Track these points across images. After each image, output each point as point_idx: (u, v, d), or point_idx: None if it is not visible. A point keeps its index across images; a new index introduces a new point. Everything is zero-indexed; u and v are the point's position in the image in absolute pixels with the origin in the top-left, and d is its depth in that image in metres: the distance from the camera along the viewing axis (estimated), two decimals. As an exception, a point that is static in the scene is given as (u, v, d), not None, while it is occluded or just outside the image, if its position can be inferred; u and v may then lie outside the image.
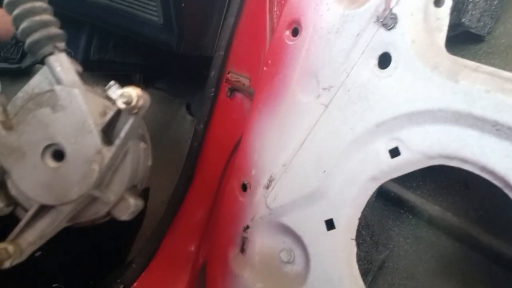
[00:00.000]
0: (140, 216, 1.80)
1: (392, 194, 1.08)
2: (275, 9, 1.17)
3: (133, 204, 0.75)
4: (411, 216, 1.07)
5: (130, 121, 0.71)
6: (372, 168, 0.78)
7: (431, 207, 1.02)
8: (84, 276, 1.47)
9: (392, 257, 1.07)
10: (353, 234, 0.82)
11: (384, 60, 0.78)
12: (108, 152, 0.71)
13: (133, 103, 0.67)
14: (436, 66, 0.72)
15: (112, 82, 0.75)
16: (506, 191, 0.65)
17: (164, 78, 2.17)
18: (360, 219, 0.91)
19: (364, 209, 0.94)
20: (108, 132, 0.72)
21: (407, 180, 1.06)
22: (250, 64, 1.20)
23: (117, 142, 0.71)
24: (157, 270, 1.28)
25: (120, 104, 0.67)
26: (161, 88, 2.16)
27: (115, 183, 0.75)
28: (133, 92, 0.67)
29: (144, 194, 1.89)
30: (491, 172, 0.66)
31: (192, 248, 1.31)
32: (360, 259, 0.98)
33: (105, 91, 0.75)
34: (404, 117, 0.74)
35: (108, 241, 1.69)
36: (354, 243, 0.82)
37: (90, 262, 1.58)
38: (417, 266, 1.04)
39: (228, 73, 1.25)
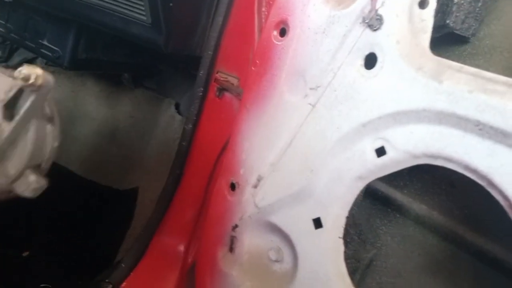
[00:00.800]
0: (128, 216, 1.80)
1: (380, 193, 1.08)
2: (263, 9, 1.17)
3: (33, 180, 0.84)
4: (398, 215, 1.08)
5: (31, 99, 0.79)
6: (359, 167, 0.79)
7: (417, 206, 1.03)
8: (73, 276, 1.47)
9: (380, 255, 1.08)
10: (341, 232, 0.83)
11: (370, 61, 0.79)
12: (8, 126, 0.78)
13: (31, 80, 0.75)
14: (420, 66, 0.73)
15: (24, 65, 0.81)
16: (489, 189, 0.67)
17: (154, 77, 2.16)
18: (347, 218, 0.92)
19: (352, 208, 0.95)
20: (11, 109, 0.79)
21: (394, 179, 1.07)
22: (238, 63, 1.20)
23: (17, 117, 0.79)
24: (146, 270, 1.28)
25: (19, 81, 0.76)
26: (151, 87, 2.16)
27: (15, 158, 0.81)
28: (32, 70, 0.75)
29: (132, 194, 1.90)
30: (474, 171, 0.67)
31: (181, 247, 1.31)
32: (348, 258, 0.99)
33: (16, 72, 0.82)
34: (389, 117, 0.75)
35: (97, 241, 1.68)
36: (341, 241, 0.83)
37: (79, 262, 1.57)
38: (404, 264, 1.05)
39: (217, 72, 1.25)
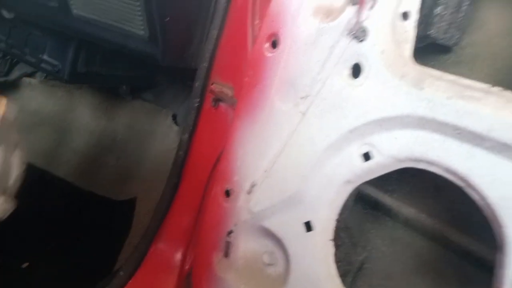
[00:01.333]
0: (126, 226, 1.83)
1: (370, 198, 1.12)
2: (256, 22, 1.22)
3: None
4: (388, 219, 1.11)
5: None
6: (347, 172, 0.83)
7: (406, 210, 1.07)
8: (72, 285, 1.49)
9: (371, 258, 1.11)
10: (331, 235, 0.86)
11: (356, 70, 0.83)
12: None
13: None
14: (403, 75, 0.77)
15: None
16: (467, 190, 0.70)
17: (151, 89, 2.21)
18: (339, 221, 0.96)
19: (343, 213, 0.98)
20: None
21: (384, 184, 1.11)
22: (233, 74, 1.24)
23: None
24: (144, 277, 1.30)
25: None
26: (148, 99, 2.20)
27: None
28: None
29: (130, 204, 1.93)
30: (454, 173, 0.71)
31: (179, 255, 1.34)
32: (340, 261, 1.02)
33: None
34: (374, 123, 0.78)
35: (95, 251, 1.71)
36: (331, 243, 0.86)
37: (77, 272, 1.59)
38: (394, 266, 1.08)
39: (212, 83, 1.29)
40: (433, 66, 0.82)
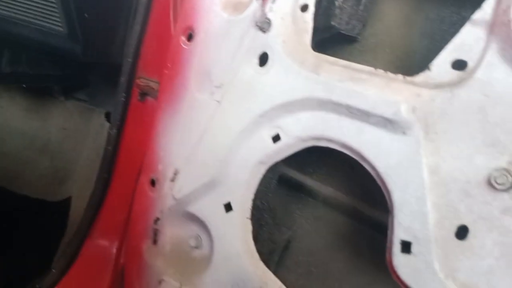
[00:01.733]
0: (62, 226, 1.81)
1: (294, 180, 1.19)
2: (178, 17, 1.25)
3: None
4: (310, 199, 1.19)
5: None
6: (259, 153, 0.89)
7: (325, 189, 1.15)
8: (5, 285, 1.46)
9: (296, 237, 1.18)
10: (248, 213, 0.92)
11: (263, 59, 0.89)
12: None
13: None
14: (302, 61, 0.84)
15: None
16: (361, 162, 0.78)
17: (85, 88, 2.17)
18: (263, 203, 1.02)
19: (267, 195, 1.05)
20: None
21: (304, 166, 1.18)
22: (158, 69, 1.27)
23: None
24: (78, 273, 1.30)
25: None
26: (82, 99, 2.17)
27: None
28: None
29: (65, 204, 1.90)
30: (350, 148, 0.79)
31: (114, 249, 1.35)
32: (264, 240, 1.09)
33: None
34: (280, 107, 0.85)
35: (31, 253, 1.68)
36: (249, 221, 0.92)
37: (12, 273, 1.56)
38: (317, 243, 1.16)
39: (139, 78, 1.31)
40: (341, 55, 0.89)
